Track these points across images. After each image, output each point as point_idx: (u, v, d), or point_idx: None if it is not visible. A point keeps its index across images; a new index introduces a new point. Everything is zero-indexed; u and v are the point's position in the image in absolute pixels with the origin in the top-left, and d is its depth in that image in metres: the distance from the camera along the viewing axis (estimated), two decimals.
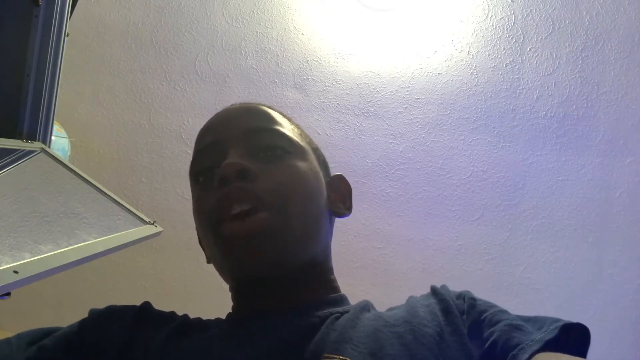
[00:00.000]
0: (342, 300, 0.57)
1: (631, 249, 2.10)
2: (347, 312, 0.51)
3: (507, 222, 2.12)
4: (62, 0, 1.20)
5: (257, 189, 0.50)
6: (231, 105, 0.61)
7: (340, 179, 0.64)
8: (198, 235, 0.60)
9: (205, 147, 0.56)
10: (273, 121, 0.57)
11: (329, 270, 0.60)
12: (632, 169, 2.14)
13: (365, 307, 0.54)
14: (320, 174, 0.59)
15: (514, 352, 0.42)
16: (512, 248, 2.11)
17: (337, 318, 0.50)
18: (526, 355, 0.41)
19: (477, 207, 2.13)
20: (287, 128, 0.58)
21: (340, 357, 0.43)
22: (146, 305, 0.58)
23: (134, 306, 0.58)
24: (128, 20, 2.16)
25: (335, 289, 0.59)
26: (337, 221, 0.64)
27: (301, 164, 0.55)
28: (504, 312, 0.50)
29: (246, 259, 0.49)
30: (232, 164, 0.50)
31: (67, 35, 1.25)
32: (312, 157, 0.59)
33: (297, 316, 0.50)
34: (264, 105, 0.60)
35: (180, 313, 0.60)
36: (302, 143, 0.59)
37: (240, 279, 0.54)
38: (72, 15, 1.31)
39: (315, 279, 0.56)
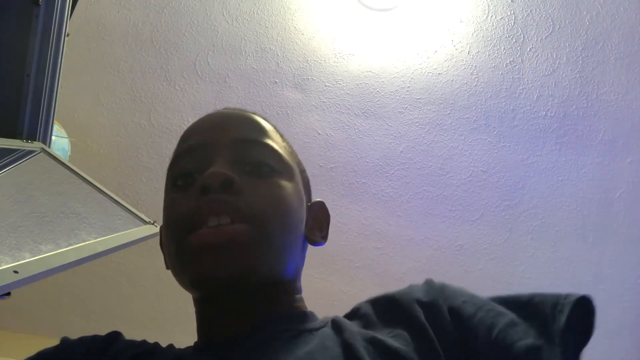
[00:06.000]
0: (304, 317, 0.53)
1: (631, 249, 2.10)
2: (307, 330, 0.49)
3: (507, 222, 2.12)
4: (62, 0, 1.20)
5: (239, 203, 0.48)
6: (224, 109, 0.59)
7: (321, 207, 0.62)
8: (160, 237, 0.57)
9: (189, 149, 0.54)
10: (266, 135, 0.55)
11: (297, 289, 0.57)
12: (632, 169, 2.14)
13: (325, 324, 0.50)
14: (304, 198, 0.57)
15: None
16: (512, 248, 2.11)
17: (295, 337, 0.48)
18: None
19: (477, 207, 2.13)
20: (279, 144, 0.56)
21: None
22: (112, 335, 0.57)
23: (95, 337, 0.57)
24: (128, 20, 2.16)
25: (298, 307, 0.55)
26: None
27: (287, 185, 0.53)
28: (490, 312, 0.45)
29: (211, 269, 0.46)
30: (217, 173, 0.48)
31: (67, 35, 1.25)
32: (298, 178, 0.57)
33: (253, 338, 0.48)
34: (258, 115, 0.58)
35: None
36: (292, 163, 0.57)
37: (198, 289, 0.51)
38: (72, 15, 1.31)
39: (278, 297, 0.53)
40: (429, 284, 0.50)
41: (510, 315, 0.44)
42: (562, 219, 2.12)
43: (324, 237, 0.60)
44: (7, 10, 1.16)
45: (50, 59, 1.20)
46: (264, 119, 0.58)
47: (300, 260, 0.57)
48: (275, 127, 0.59)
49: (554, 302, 0.42)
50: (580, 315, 0.41)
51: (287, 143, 0.59)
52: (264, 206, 0.49)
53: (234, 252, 0.46)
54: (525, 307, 0.44)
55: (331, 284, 2.04)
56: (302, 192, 0.57)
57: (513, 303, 0.45)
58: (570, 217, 2.12)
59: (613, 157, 2.15)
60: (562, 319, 0.41)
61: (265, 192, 0.50)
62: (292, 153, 0.59)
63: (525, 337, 0.41)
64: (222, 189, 0.48)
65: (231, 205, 0.47)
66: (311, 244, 0.59)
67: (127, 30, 2.16)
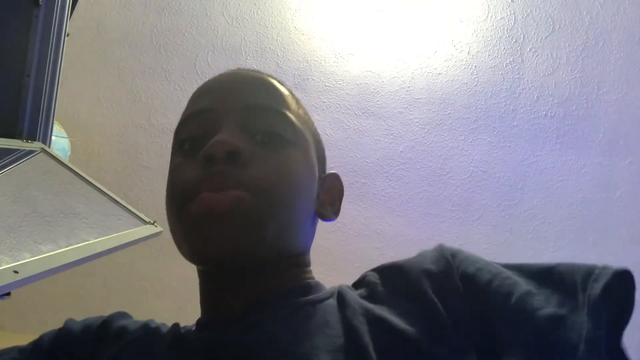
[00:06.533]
0: (307, 288, 0.50)
1: (631, 249, 2.10)
2: (309, 303, 0.47)
3: (507, 222, 2.12)
4: (62, 0, 1.20)
5: (245, 176, 0.45)
6: (238, 69, 0.54)
7: (335, 180, 0.57)
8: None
9: (198, 112, 0.51)
10: (281, 101, 0.51)
11: (304, 262, 0.53)
12: (632, 169, 2.14)
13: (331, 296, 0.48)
14: (316, 171, 0.53)
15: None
16: (512, 248, 2.11)
17: (296, 311, 0.46)
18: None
19: (477, 207, 2.13)
20: (294, 112, 0.52)
21: None
22: (110, 318, 0.57)
23: (98, 319, 0.56)
24: (128, 20, 2.16)
25: (304, 279, 0.52)
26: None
27: (299, 157, 0.49)
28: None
29: (211, 240, 0.43)
30: (223, 142, 0.44)
31: (67, 35, 1.25)
32: (312, 150, 0.53)
33: (253, 314, 0.46)
34: (274, 78, 0.53)
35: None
36: (306, 133, 0.52)
37: (198, 261, 0.48)
38: (72, 15, 1.31)
39: (282, 272, 0.50)
40: (440, 250, 0.47)
41: (529, 283, 0.40)
42: (562, 219, 2.12)
43: (336, 213, 0.56)
44: (7, 10, 1.16)
45: (50, 59, 1.20)
46: (280, 82, 0.54)
47: (309, 235, 0.54)
48: (291, 92, 0.54)
49: (587, 271, 0.38)
50: (617, 292, 0.36)
51: (303, 109, 0.55)
52: (271, 182, 0.46)
53: (239, 222, 0.43)
54: (549, 274, 0.40)
55: (331, 284, 2.03)
56: (315, 164, 0.53)
57: (533, 271, 0.41)
58: (570, 217, 2.12)
59: (613, 157, 2.15)
60: (597, 287, 0.36)
61: (274, 166, 0.47)
62: (308, 121, 0.55)
63: (545, 305, 0.37)
64: (227, 160, 0.44)
65: (235, 179, 0.44)
66: (322, 219, 0.55)
67: (127, 30, 2.16)
